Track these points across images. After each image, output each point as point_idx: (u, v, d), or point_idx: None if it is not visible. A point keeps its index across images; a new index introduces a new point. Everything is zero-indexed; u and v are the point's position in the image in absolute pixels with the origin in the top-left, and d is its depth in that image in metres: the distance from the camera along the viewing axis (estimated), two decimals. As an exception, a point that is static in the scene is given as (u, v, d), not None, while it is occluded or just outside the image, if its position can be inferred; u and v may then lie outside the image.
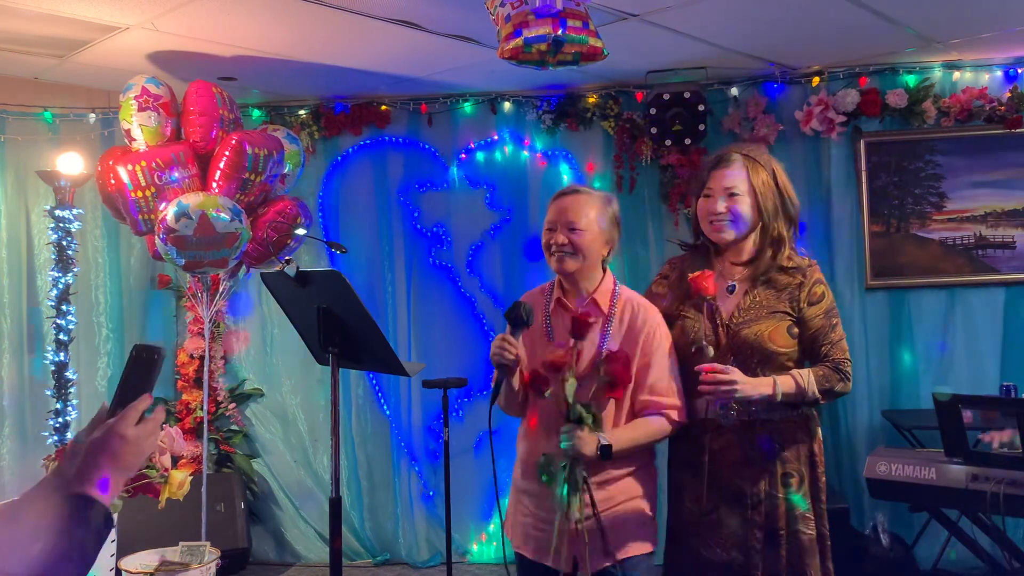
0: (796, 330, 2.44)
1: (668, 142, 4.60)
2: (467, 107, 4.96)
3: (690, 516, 2.45)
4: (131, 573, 3.88)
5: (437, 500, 4.89)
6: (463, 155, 5.03)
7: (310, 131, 4.98)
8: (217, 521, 4.52)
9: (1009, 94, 4.53)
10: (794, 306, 2.43)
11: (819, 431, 2.51)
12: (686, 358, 2.43)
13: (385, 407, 5.07)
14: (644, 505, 2.41)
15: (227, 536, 4.56)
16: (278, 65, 4.24)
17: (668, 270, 2.63)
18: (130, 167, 3.88)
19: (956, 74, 4.62)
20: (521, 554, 2.48)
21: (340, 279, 2.31)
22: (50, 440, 4.44)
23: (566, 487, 2.27)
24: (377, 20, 3.58)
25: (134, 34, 3.74)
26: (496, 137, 4.99)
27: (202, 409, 4.62)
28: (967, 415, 3.42)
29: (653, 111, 4.54)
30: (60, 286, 4.46)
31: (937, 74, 4.62)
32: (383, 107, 4.99)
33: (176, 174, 3.92)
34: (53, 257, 4.48)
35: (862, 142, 4.66)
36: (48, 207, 4.53)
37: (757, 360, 2.40)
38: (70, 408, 4.48)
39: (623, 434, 2.35)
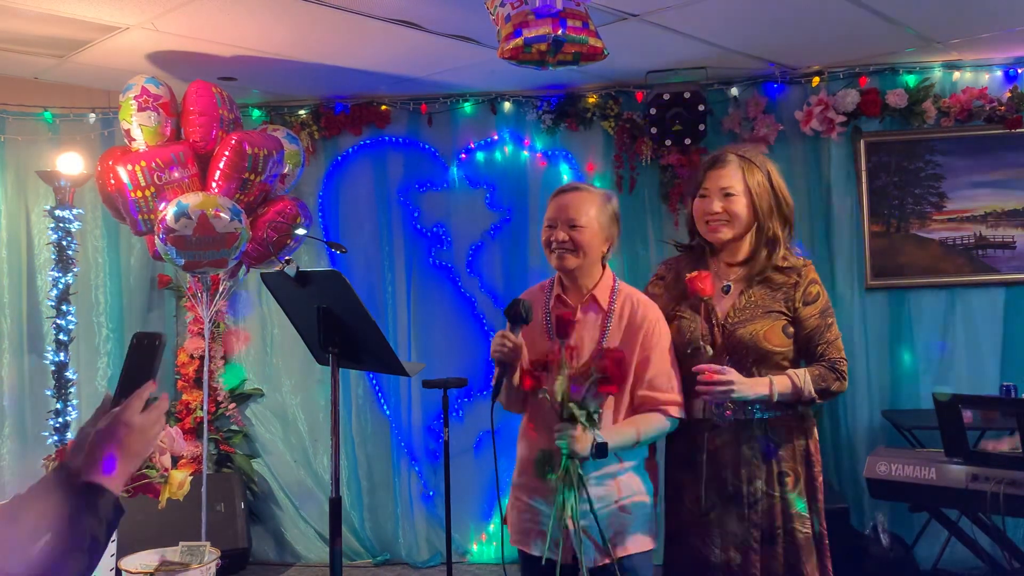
0: (791, 329, 2.45)
1: (668, 142, 4.60)
2: (467, 107, 4.96)
3: (688, 516, 2.46)
4: (131, 573, 3.88)
5: (437, 500, 4.89)
6: (463, 155, 5.02)
7: (310, 131, 4.98)
8: (217, 521, 4.52)
9: (1009, 94, 4.53)
10: (789, 306, 2.45)
11: (815, 430, 2.53)
12: (683, 358, 2.45)
13: (385, 407, 5.07)
14: (645, 502, 2.42)
15: (227, 536, 4.56)
16: (278, 65, 4.24)
17: (664, 271, 2.65)
18: (130, 167, 3.88)
19: (956, 74, 4.62)
20: (521, 549, 2.49)
21: (340, 279, 2.31)
22: (50, 440, 4.45)
23: (563, 485, 2.28)
24: (377, 20, 3.58)
25: (134, 34, 3.74)
26: (496, 137, 4.99)
27: (202, 409, 4.62)
28: (967, 415, 3.42)
29: (653, 111, 4.54)
30: (60, 286, 4.46)
31: (937, 74, 4.62)
32: (383, 107, 4.99)
33: (176, 173, 3.92)
34: (53, 257, 4.48)
35: (862, 142, 4.66)
36: (48, 207, 4.54)
37: (753, 359, 2.42)
38: (70, 408, 4.48)
39: (621, 430, 2.36)
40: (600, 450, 2.27)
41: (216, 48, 3.98)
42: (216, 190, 3.95)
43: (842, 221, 4.69)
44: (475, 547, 4.96)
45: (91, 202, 4.77)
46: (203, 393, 4.57)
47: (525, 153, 4.99)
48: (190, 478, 3.75)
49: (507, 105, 4.94)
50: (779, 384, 2.37)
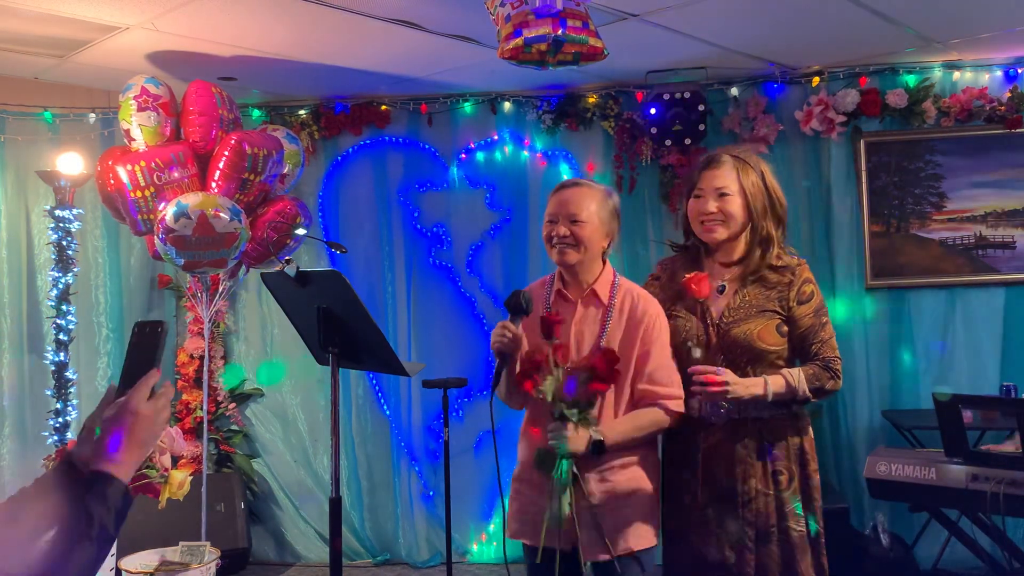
0: (785, 328, 2.47)
1: (668, 142, 4.60)
2: (467, 107, 4.96)
3: (685, 514, 2.47)
4: (131, 573, 3.88)
5: (437, 500, 4.89)
6: (463, 155, 5.02)
7: (310, 131, 4.98)
8: (217, 521, 4.52)
9: (1009, 94, 4.53)
10: (783, 305, 2.46)
11: (810, 428, 2.55)
12: (678, 358, 2.47)
13: (385, 407, 5.07)
14: (648, 498, 2.42)
15: (227, 536, 4.56)
16: (278, 65, 4.24)
17: (660, 271, 2.67)
18: (129, 167, 3.88)
19: (956, 74, 4.62)
20: (524, 541, 2.49)
21: (340, 279, 2.31)
22: (50, 440, 4.45)
23: (560, 483, 2.30)
24: (377, 20, 3.58)
25: (134, 34, 3.74)
26: (496, 137, 4.99)
27: (202, 409, 4.62)
28: (967, 415, 3.42)
29: (653, 111, 4.55)
30: (60, 286, 4.46)
31: (937, 74, 4.62)
32: (383, 107, 4.99)
33: (176, 173, 3.92)
34: (53, 257, 4.49)
35: (862, 142, 4.66)
36: (48, 207, 4.54)
37: (747, 359, 2.44)
38: (70, 408, 4.49)
39: (620, 425, 2.37)
40: (597, 447, 2.29)
41: (216, 48, 3.98)
42: (216, 190, 3.95)
43: (842, 221, 4.69)
44: (475, 547, 4.96)
45: (91, 202, 4.77)
46: (203, 393, 4.57)
47: (525, 153, 4.99)
48: (190, 478, 3.75)
49: (507, 105, 4.94)
50: (774, 384, 2.39)
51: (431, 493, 4.98)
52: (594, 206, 2.43)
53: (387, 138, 5.06)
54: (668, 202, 4.76)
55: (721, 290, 2.52)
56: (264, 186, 4.13)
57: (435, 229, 5.06)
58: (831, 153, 4.69)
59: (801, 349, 2.49)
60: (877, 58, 4.51)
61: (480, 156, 5.03)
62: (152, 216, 3.93)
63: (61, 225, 4.44)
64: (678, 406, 2.40)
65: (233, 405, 5.07)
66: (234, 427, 5.08)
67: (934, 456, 3.33)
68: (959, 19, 3.89)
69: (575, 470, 2.32)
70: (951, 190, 4.64)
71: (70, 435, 4.45)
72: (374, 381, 5.07)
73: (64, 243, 4.45)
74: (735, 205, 2.47)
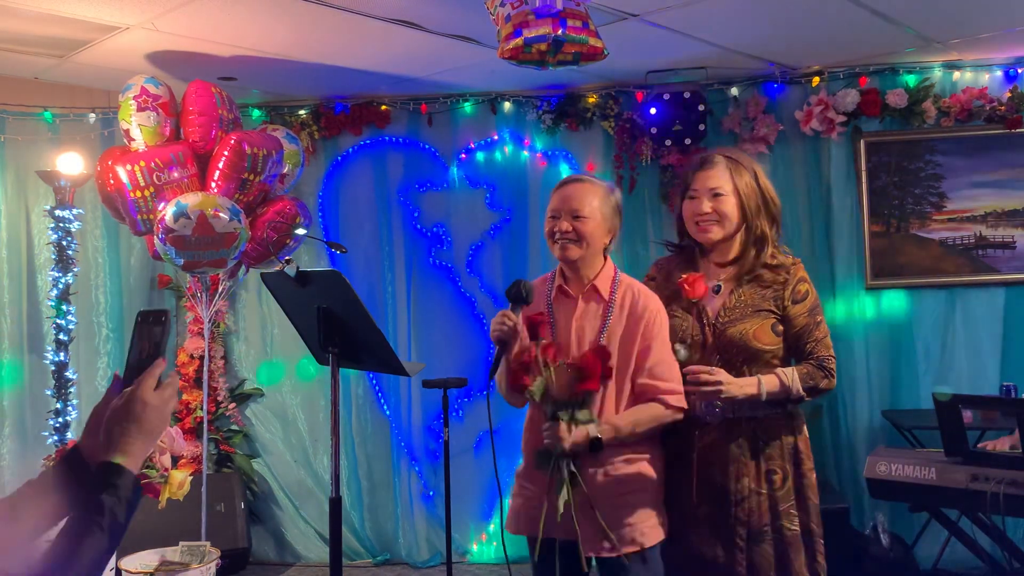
0: (781, 328, 2.49)
1: (668, 142, 4.60)
2: (467, 107, 4.96)
3: (680, 512, 2.48)
4: (131, 573, 3.88)
5: (437, 500, 4.89)
6: (463, 155, 5.02)
7: (310, 131, 4.98)
8: (217, 521, 4.52)
9: (1009, 94, 4.53)
10: (778, 304, 2.48)
11: (804, 427, 2.56)
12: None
13: (385, 407, 5.07)
14: (652, 493, 2.43)
15: (227, 536, 4.56)
16: (278, 65, 4.24)
17: (655, 272, 2.69)
18: (129, 167, 3.87)
19: (956, 74, 4.62)
20: (526, 535, 2.49)
21: (340, 279, 2.32)
22: (50, 440, 4.45)
23: (559, 482, 2.31)
24: (377, 20, 3.58)
25: (134, 34, 3.74)
26: (496, 137, 4.99)
27: (202, 409, 4.62)
28: (967, 415, 3.42)
29: (653, 111, 4.55)
30: (60, 286, 4.46)
31: (937, 74, 4.62)
32: (383, 107, 4.99)
33: (175, 173, 3.91)
34: (53, 257, 4.49)
35: (862, 142, 4.66)
36: (48, 207, 4.54)
37: (743, 358, 2.45)
38: (70, 408, 4.49)
39: (619, 421, 2.38)
40: (595, 444, 2.29)
41: (216, 48, 3.98)
42: (215, 190, 3.95)
43: (842, 221, 4.69)
44: (475, 547, 4.96)
45: (91, 202, 4.77)
46: (203, 393, 4.57)
47: (525, 153, 4.99)
48: (190, 478, 3.76)
49: (507, 105, 4.94)
50: (767, 383, 2.40)
51: (431, 493, 4.98)
52: (596, 202, 2.44)
53: (387, 138, 5.05)
54: (668, 202, 4.75)
55: (716, 290, 2.53)
56: (264, 186, 4.13)
57: (435, 229, 5.06)
58: (831, 153, 4.69)
59: (796, 348, 2.50)
60: (877, 58, 4.51)
61: (480, 156, 5.03)
62: (152, 216, 3.93)
63: (61, 225, 4.44)
64: (679, 401, 2.41)
65: (233, 405, 5.07)
66: (234, 427, 5.08)
67: (934, 456, 3.33)
68: (959, 19, 3.88)
69: (573, 468, 2.33)
70: (951, 190, 4.64)
71: (70, 435, 4.45)
72: (374, 381, 5.07)
73: (64, 243, 4.45)
74: (730, 205, 2.49)
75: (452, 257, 5.04)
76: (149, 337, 1.33)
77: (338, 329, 2.37)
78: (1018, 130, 4.54)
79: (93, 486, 1.18)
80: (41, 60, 4.17)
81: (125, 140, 4.04)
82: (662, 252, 2.77)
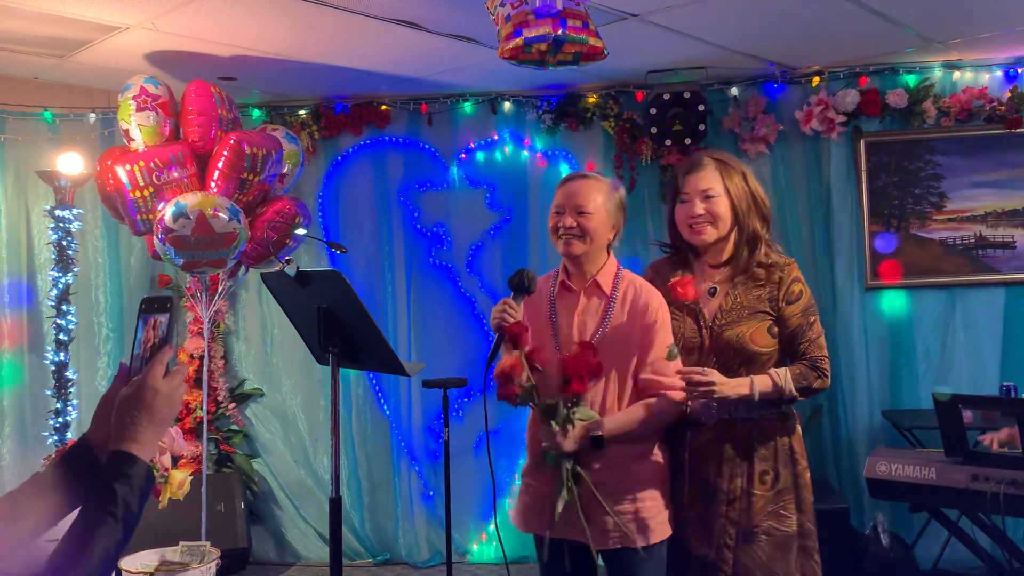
0: (776, 329, 2.49)
1: (668, 142, 4.60)
2: (467, 107, 4.96)
3: (675, 512, 2.48)
4: (131, 573, 3.88)
5: (437, 500, 4.89)
6: (463, 155, 5.02)
7: (310, 131, 4.98)
8: (217, 521, 4.52)
9: (1009, 94, 4.53)
10: (773, 305, 2.49)
11: (798, 428, 2.57)
12: None
13: (385, 407, 5.07)
14: (659, 489, 2.43)
15: (227, 536, 4.56)
16: (278, 65, 4.24)
17: (651, 275, 2.68)
18: (128, 167, 3.87)
19: (956, 74, 4.62)
20: (534, 533, 2.50)
21: (340, 279, 2.32)
22: (50, 440, 4.45)
23: (562, 482, 2.32)
24: (377, 20, 3.58)
25: (134, 34, 3.74)
26: (496, 137, 4.99)
27: (202, 409, 4.62)
28: (967, 415, 3.41)
29: (653, 111, 4.55)
30: (60, 286, 4.46)
31: (937, 74, 4.62)
32: (383, 107, 4.99)
33: (175, 173, 3.91)
34: (53, 257, 4.49)
35: (862, 142, 4.65)
36: (48, 207, 4.54)
37: (740, 361, 2.46)
38: (70, 408, 4.49)
39: (621, 417, 2.39)
40: (596, 442, 2.30)
41: (216, 48, 3.98)
42: (215, 190, 3.94)
43: (842, 221, 4.69)
44: (475, 547, 4.96)
45: (91, 202, 4.77)
46: (203, 393, 4.57)
47: (525, 153, 4.99)
48: (190, 478, 3.76)
49: (507, 105, 4.94)
50: (760, 384, 2.41)
51: (431, 493, 4.98)
52: (600, 198, 2.46)
53: (387, 138, 5.05)
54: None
55: (712, 292, 2.54)
56: (263, 186, 4.13)
57: (435, 229, 5.06)
58: (831, 153, 4.69)
59: (789, 348, 2.51)
60: (877, 58, 4.51)
61: (480, 156, 5.03)
62: (151, 216, 3.92)
63: (61, 225, 4.44)
64: (681, 396, 2.42)
65: (233, 405, 5.07)
66: (234, 427, 5.08)
67: (934, 456, 3.33)
68: (959, 19, 3.88)
69: (577, 468, 2.33)
70: (951, 190, 4.64)
71: (70, 435, 4.45)
72: (374, 381, 5.07)
73: (64, 243, 4.45)
74: (722, 206, 2.50)
75: (452, 257, 5.04)
76: (154, 324, 1.33)
77: (338, 329, 2.37)
78: (1018, 130, 4.54)
79: (105, 476, 1.16)
80: (41, 60, 4.17)
81: (125, 140, 4.04)
82: (661, 252, 2.77)
